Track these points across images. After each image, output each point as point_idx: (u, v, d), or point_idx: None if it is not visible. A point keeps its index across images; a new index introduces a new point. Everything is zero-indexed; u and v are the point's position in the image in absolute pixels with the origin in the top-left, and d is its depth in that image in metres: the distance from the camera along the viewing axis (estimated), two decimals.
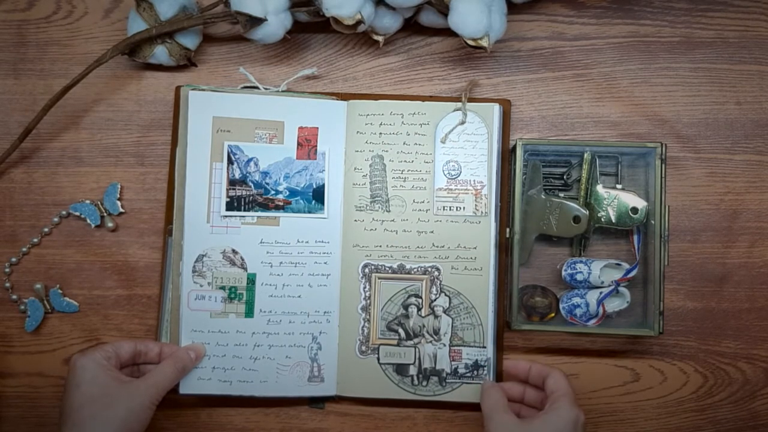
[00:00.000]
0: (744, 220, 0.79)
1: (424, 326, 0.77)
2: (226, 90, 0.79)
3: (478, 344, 0.76)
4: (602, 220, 0.76)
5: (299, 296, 0.77)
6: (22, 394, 0.79)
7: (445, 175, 0.78)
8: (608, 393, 0.79)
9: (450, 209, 0.77)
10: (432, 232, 0.77)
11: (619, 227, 0.76)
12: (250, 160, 0.78)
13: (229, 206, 0.77)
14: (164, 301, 0.77)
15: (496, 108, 0.78)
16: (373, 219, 0.78)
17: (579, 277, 0.76)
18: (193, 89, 0.77)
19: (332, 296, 0.78)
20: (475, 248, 0.77)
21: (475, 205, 0.77)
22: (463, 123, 0.77)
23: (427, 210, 0.78)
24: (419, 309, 0.77)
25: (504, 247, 0.77)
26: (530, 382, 0.73)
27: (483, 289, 0.77)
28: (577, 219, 0.76)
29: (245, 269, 0.77)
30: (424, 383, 0.76)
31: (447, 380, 0.76)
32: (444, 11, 0.75)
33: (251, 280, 0.77)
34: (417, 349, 0.77)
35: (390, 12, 0.76)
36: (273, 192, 0.78)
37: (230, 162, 0.77)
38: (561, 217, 0.76)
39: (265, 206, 0.77)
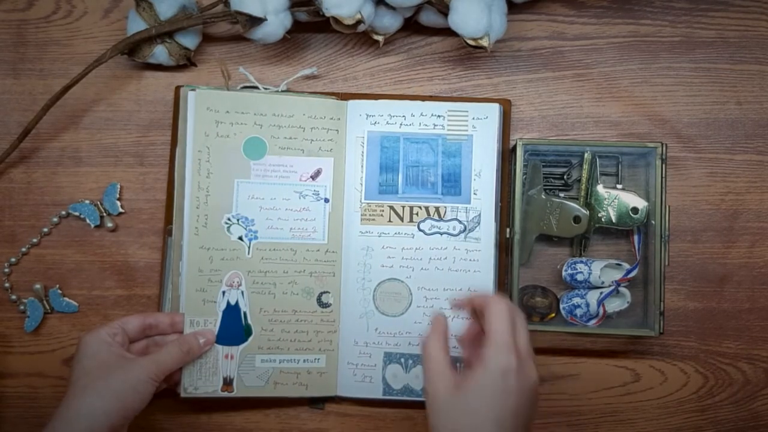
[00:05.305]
0: (744, 220, 0.79)
1: None
2: (226, 90, 0.78)
3: None
4: (602, 220, 0.76)
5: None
6: (21, 394, 0.79)
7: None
8: (608, 393, 0.78)
9: None
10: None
11: (620, 227, 0.76)
12: None
13: None
14: (164, 302, 0.77)
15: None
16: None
17: (579, 277, 0.76)
18: (192, 89, 0.77)
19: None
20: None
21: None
22: None
23: None
24: None
25: (504, 247, 0.77)
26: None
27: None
28: (577, 219, 0.76)
29: None
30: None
31: None
32: (444, 11, 0.75)
33: None
34: None
35: (390, 12, 0.76)
36: None
37: None
38: (561, 217, 0.76)
39: None
